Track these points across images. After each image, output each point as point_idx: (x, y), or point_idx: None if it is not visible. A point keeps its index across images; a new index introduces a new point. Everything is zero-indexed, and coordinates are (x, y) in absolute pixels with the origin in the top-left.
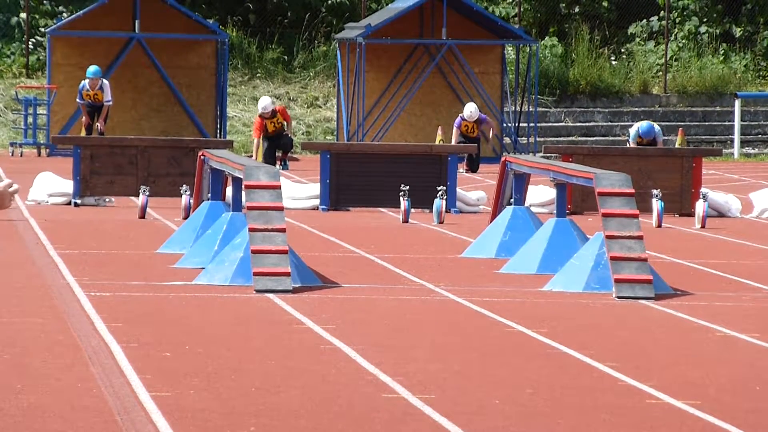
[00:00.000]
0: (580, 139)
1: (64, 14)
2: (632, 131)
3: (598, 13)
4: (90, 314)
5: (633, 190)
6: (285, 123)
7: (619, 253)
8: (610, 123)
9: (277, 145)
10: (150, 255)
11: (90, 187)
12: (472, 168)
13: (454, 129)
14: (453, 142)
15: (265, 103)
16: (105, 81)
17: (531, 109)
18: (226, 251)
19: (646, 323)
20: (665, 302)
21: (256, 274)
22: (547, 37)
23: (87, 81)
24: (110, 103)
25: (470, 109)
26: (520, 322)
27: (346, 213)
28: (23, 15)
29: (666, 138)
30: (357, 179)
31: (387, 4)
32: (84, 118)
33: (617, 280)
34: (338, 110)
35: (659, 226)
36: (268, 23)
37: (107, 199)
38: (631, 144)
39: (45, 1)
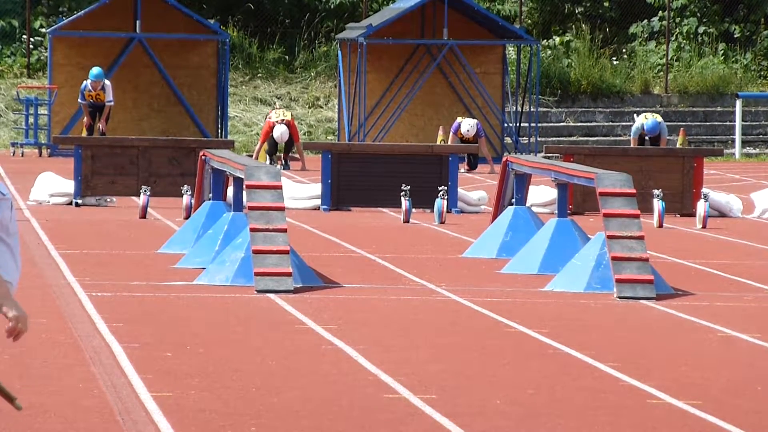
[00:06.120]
0: (581, 139)
1: (64, 15)
2: (636, 125)
3: (599, 13)
4: (91, 314)
5: (634, 191)
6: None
7: (620, 253)
8: (611, 123)
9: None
10: (151, 255)
11: (91, 187)
12: (471, 166)
13: (451, 134)
14: (443, 133)
15: (280, 132)
16: (107, 81)
17: (532, 109)
18: (227, 251)
19: (648, 323)
20: (666, 302)
21: (257, 274)
22: (559, 36)
23: (89, 82)
24: (112, 103)
25: (467, 127)
26: (521, 323)
27: (348, 213)
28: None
29: (668, 138)
30: (358, 179)
31: (389, 4)
32: (85, 118)
33: (618, 280)
34: (339, 110)
35: (660, 226)
36: (268, 23)
37: (108, 199)
38: (633, 137)
39: (44, 1)
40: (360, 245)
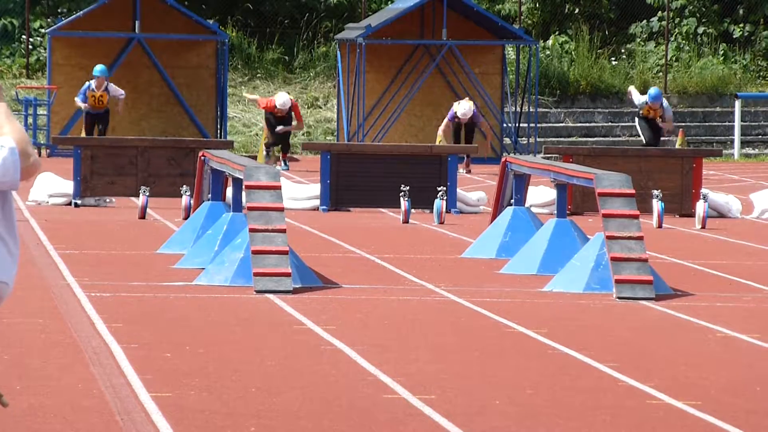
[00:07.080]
0: (580, 139)
1: (63, 15)
2: (641, 99)
3: (598, 13)
4: (90, 315)
5: (633, 191)
6: (293, 116)
7: (619, 253)
8: (610, 123)
9: (281, 131)
10: (150, 255)
11: (90, 188)
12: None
13: (446, 120)
14: (441, 130)
15: (283, 100)
16: (110, 84)
17: (531, 110)
18: (227, 252)
19: (647, 324)
20: (665, 303)
21: (256, 274)
22: (554, 35)
23: (93, 81)
24: (123, 95)
25: (464, 110)
26: (520, 323)
27: (347, 213)
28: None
29: (667, 138)
30: (357, 180)
31: (388, 5)
32: (84, 120)
33: (618, 281)
34: (338, 111)
35: (660, 226)
36: (268, 24)
37: (107, 200)
38: (639, 115)
39: (43, 1)
40: (359, 245)
